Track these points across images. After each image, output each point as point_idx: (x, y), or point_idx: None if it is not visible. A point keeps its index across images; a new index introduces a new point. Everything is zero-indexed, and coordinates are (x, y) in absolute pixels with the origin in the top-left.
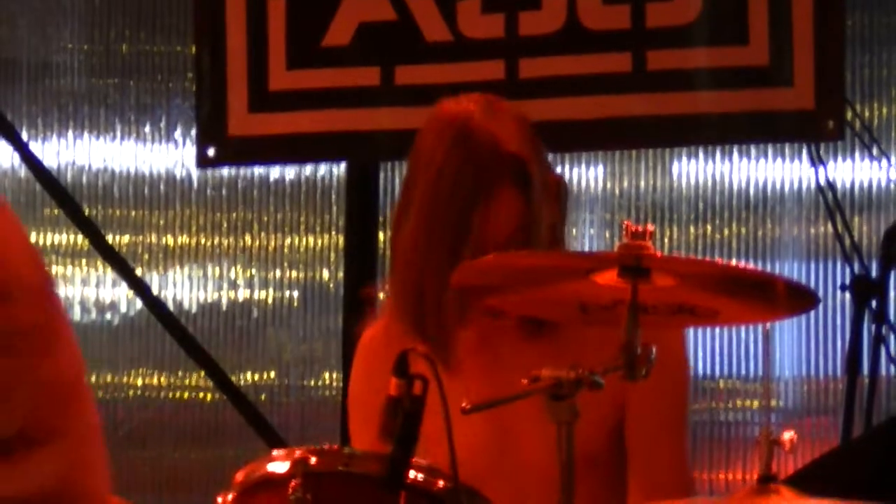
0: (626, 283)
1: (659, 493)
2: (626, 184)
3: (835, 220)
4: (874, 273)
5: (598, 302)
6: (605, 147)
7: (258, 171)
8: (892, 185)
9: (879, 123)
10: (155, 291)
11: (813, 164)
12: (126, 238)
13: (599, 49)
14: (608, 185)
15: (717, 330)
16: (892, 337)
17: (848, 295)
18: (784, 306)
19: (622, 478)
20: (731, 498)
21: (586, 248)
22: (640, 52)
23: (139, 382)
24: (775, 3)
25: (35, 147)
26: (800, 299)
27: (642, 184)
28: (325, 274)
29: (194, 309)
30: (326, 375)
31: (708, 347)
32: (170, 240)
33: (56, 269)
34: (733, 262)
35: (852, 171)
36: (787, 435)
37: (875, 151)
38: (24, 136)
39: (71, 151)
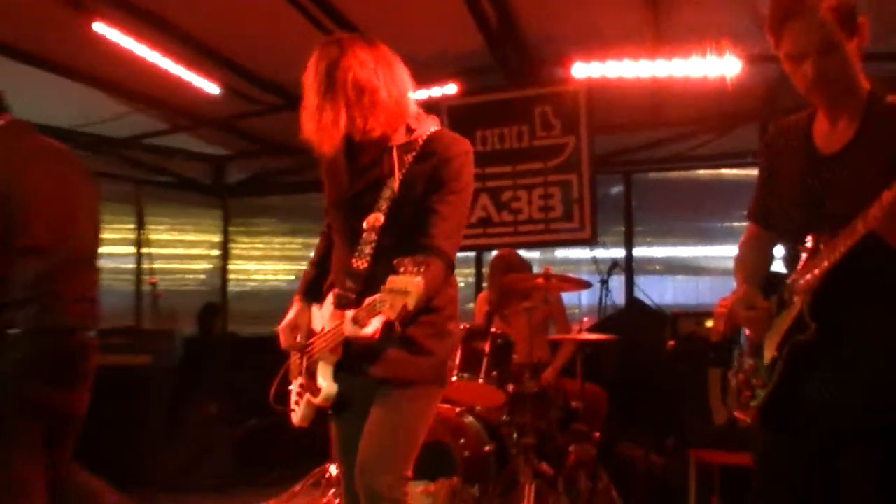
0: None
1: None
2: None
3: (596, 264)
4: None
5: None
6: None
7: None
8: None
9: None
10: None
11: (591, 248)
12: None
13: None
14: None
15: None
16: (609, 296)
17: (598, 284)
18: (583, 286)
19: None
20: None
21: None
22: None
23: None
24: (581, 204)
25: None
26: (584, 284)
27: None
28: None
29: None
30: None
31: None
32: None
33: None
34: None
35: (598, 251)
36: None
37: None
38: None
39: None
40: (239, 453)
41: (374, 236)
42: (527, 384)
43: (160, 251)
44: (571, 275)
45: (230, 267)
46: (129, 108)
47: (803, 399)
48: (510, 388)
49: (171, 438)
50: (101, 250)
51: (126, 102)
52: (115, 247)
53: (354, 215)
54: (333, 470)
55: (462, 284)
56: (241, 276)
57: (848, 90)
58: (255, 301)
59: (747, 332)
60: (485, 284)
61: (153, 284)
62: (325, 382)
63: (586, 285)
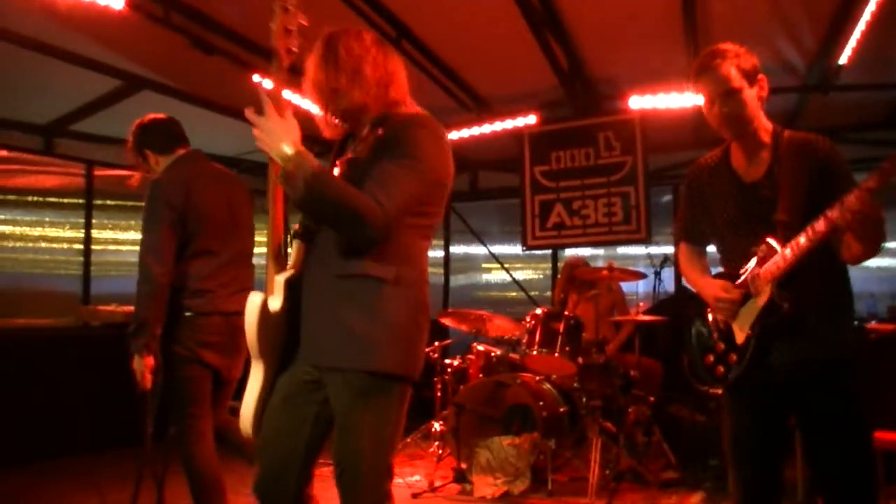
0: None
1: None
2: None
3: (651, 259)
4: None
5: None
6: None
7: None
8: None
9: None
10: None
11: (646, 246)
12: None
13: None
14: None
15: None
16: (661, 285)
17: (652, 275)
18: (639, 277)
19: None
20: None
21: None
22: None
23: None
24: (638, 210)
25: None
26: (641, 275)
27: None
28: None
29: None
30: None
31: None
32: None
33: None
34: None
35: (652, 248)
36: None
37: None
38: None
39: None
40: None
41: None
42: (594, 357)
43: None
44: (630, 268)
45: None
46: None
47: (769, 366)
48: (580, 360)
49: None
50: (256, 250)
51: None
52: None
53: None
54: (437, 426)
55: (540, 276)
56: None
57: (751, 127)
58: None
59: (719, 319)
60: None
61: None
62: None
63: (642, 276)
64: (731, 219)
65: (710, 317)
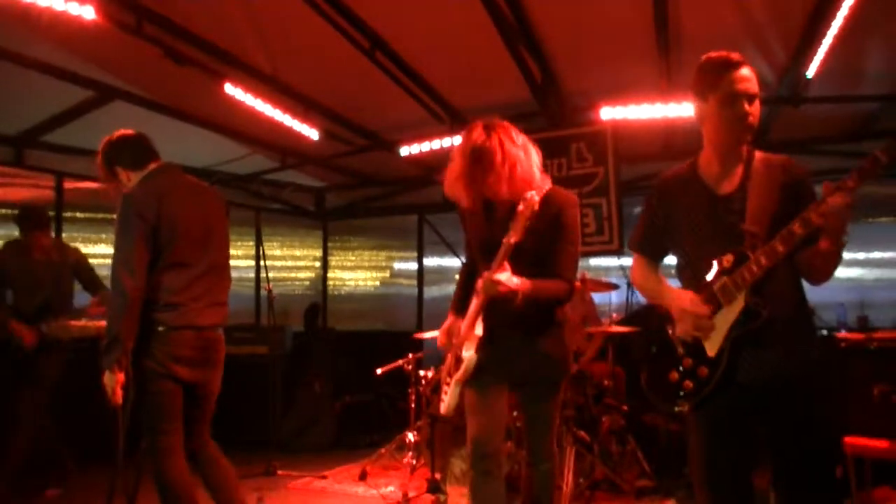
0: None
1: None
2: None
3: (623, 270)
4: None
5: None
6: None
7: None
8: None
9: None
10: None
11: (619, 257)
12: None
13: None
14: None
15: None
16: (633, 295)
17: (625, 286)
18: (612, 288)
19: None
20: None
21: None
22: None
23: None
24: (610, 221)
25: None
26: (613, 287)
27: None
28: None
29: None
30: None
31: None
32: None
33: None
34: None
35: (624, 260)
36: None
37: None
38: None
39: None
40: (338, 422)
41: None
42: None
43: (274, 263)
44: (603, 279)
45: (329, 275)
46: (249, 151)
47: (741, 380)
48: None
49: (286, 411)
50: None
51: (247, 146)
52: (239, 260)
53: (492, 255)
54: (411, 437)
55: None
56: (338, 283)
57: (751, 136)
58: (349, 302)
59: (685, 335)
60: None
61: (269, 290)
62: (448, 399)
63: (615, 287)
64: (699, 230)
65: (673, 331)
